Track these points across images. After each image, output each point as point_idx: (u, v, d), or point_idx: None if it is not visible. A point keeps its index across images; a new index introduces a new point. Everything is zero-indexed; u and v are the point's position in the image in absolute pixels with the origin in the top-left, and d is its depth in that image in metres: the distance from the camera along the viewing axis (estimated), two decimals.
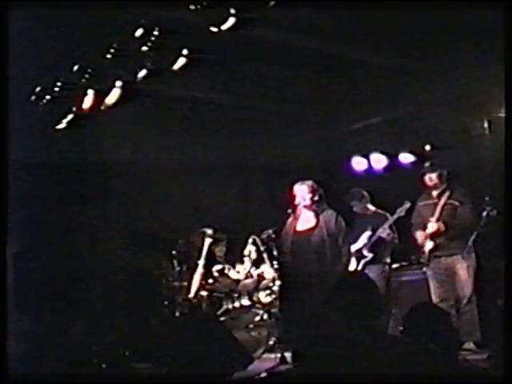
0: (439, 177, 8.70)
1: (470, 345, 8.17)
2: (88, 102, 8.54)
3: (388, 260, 9.36)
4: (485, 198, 8.34)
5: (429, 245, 8.62)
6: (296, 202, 8.42)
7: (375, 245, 9.26)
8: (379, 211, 9.57)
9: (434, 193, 8.76)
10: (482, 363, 7.22)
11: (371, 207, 9.64)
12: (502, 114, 9.10)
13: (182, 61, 7.89)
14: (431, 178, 8.72)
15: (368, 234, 9.31)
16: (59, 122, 9.04)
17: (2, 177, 5.98)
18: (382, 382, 4.00)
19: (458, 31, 7.81)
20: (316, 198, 8.35)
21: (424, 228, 8.69)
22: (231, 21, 7.07)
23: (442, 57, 8.54)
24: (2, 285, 6.07)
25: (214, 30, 7.18)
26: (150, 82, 8.22)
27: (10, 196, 6.14)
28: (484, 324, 8.41)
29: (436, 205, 8.67)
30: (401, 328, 6.37)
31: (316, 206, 8.36)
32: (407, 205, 9.13)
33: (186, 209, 10.76)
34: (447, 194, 8.66)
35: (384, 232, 9.30)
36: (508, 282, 5.87)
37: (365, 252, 9.20)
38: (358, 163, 10.96)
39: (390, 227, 9.32)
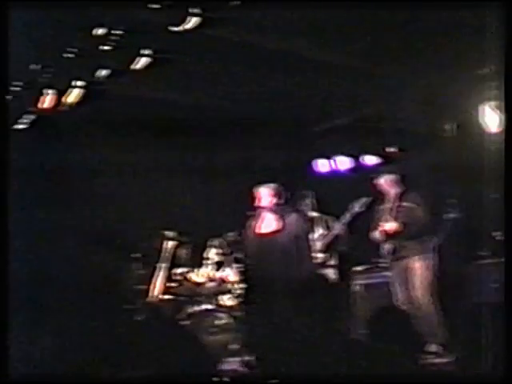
0: (392, 181, 8.77)
1: (434, 347, 8.18)
2: (47, 102, 8.42)
3: (335, 262, 9.39)
4: (448, 200, 8.39)
5: (388, 247, 8.65)
6: (260, 204, 8.38)
7: (327, 246, 9.30)
8: (319, 216, 9.62)
9: (391, 196, 8.82)
10: (448, 366, 7.22)
11: (314, 213, 9.69)
12: (470, 117, 9.18)
13: (143, 61, 7.80)
14: (385, 183, 8.82)
15: (316, 235, 9.34)
16: (17, 123, 8.92)
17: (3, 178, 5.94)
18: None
19: (426, 32, 7.81)
20: (280, 201, 8.31)
21: (382, 230, 8.71)
22: (194, 20, 7.00)
23: (410, 58, 8.54)
24: (2, 285, 6.06)
25: (177, 29, 7.10)
26: (110, 81, 8.12)
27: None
28: (448, 327, 8.42)
29: (392, 207, 8.75)
30: (364, 331, 6.34)
31: (280, 209, 8.31)
32: (363, 200, 9.16)
33: (150, 211, 10.67)
34: (402, 196, 8.73)
35: (339, 231, 9.35)
36: (507, 283, 5.88)
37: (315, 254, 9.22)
38: (323, 165, 10.99)
39: (346, 225, 9.38)
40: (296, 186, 9.71)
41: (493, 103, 8.82)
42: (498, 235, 8.14)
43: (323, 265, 9.30)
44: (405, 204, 8.69)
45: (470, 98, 8.76)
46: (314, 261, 9.17)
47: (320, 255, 9.28)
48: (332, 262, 9.45)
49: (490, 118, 9.10)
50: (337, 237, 9.39)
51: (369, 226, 9.05)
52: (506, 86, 6.01)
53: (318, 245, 9.31)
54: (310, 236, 9.25)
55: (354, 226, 9.40)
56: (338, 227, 9.38)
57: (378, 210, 8.96)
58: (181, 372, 6.17)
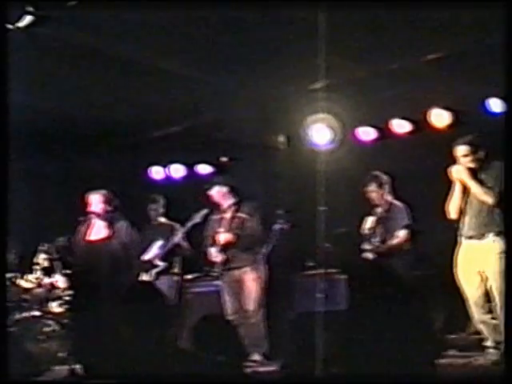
0: (224, 192, 8.82)
1: (257, 356, 8.31)
2: None
3: (178, 270, 9.42)
4: (277, 212, 8.53)
5: (220, 257, 8.71)
6: (91, 210, 8.27)
7: (168, 254, 9.29)
8: (169, 222, 9.62)
9: (224, 207, 8.86)
10: (272, 374, 7.33)
11: (162, 219, 9.67)
12: (301, 130, 9.41)
13: None
14: (217, 194, 8.83)
15: (160, 243, 9.32)
16: None
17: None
18: None
19: (261, 44, 7.91)
20: (109, 208, 8.24)
21: (215, 240, 8.76)
22: (28, 19, 6.84)
23: (245, 69, 8.63)
24: (1, 285, 5.96)
25: (10, 26, 6.91)
26: None
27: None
28: (274, 336, 8.57)
29: (225, 218, 8.81)
30: (192, 340, 6.35)
31: (109, 216, 8.24)
32: (204, 211, 9.16)
33: None
34: (235, 207, 8.79)
35: (179, 238, 9.35)
36: (507, 283, 6.01)
37: (157, 262, 9.21)
38: (157, 172, 10.98)
39: (185, 234, 9.38)
40: (130, 193, 9.65)
41: (323, 117, 9.09)
42: (325, 247, 8.35)
43: (163, 272, 9.29)
44: (239, 215, 8.77)
45: (301, 111, 8.95)
46: (156, 269, 9.18)
47: (161, 263, 9.27)
48: (175, 270, 9.45)
49: (320, 132, 9.38)
50: (177, 245, 9.38)
51: (204, 235, 9.09)
52: (506, 87, 6.19)
53: (159, 252, 9.29)
54: (156, 243, 9.26)
55: (194, 235, 9.40)
56: (178, 236, 9.37)
57: (212, 220, 9.00)
58: (6, 380, 5.98)
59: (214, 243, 8.79)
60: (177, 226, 9.52)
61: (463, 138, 6.90)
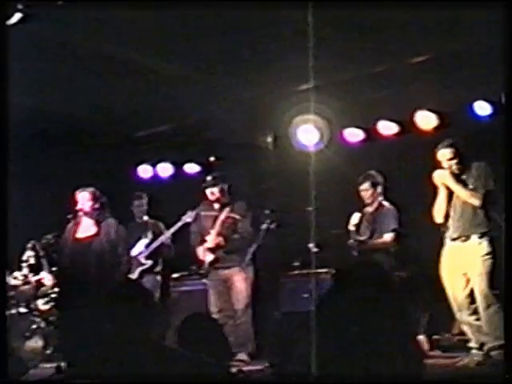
0: (221, 191, 8.79)
1: (243, 356, 8.32)
2: None
3: (160, 269, 9.42)
4: (264, 212, 8.51)
5: (208, 257, 8.70)
6: (78, 208, 8.25)
7: (154, 252, 9.29)
8: (153, 221, 9.60)
9: (216, 205, 8.83)
10: (258, 373, 7.34)
11: (146, 217, 9.66)
12: (289, 130, 9.43)
13: None
14: (213, 192, 8.78)
15: (146, 241, 9.32)
16: None
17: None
18: None
19: (251, 43, 7.93)
20: (97, 206, 8.19)
21: (203, 239, 8.77)
22: (17, 16, 6.83)
23: (234, 68, 8.64)
24: (1, 285, 6.01)
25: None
26: None
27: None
28: (261, 335, 8.59)
29: (217, 217, 8.77)
30: (178, 338, 6.36)
31: (97, 214, 8.18)
32: (194, 211, 9.12)
33: None
34: (228, 208, 8.75)
35: (166, 239, 9.35)
36: (507, 284, 6.03)
37: (142, 260, 9.21)
38: (144, 171, 10.96)
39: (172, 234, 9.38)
40: (117, 191, 9.63)
41: (310, 118, 9.10)
42: (312, 247, 8.37)
43: (148, 270, 9.28)
44: (232, 215, 8.73)
45: (290, 112, 8.96)
46: (141, 267, 9.18)
47: (146, 261, 9.26)
48: (158, 269, 9.44)
49: (308, 132, 9.40)
50: (163, 244, 9.37)
51: (193, 232, 9.08)
52: (507, 87, 6.20)
53: (145, 250, 9.29)
54: (141, 241, 9.25)
55: (181, 233, 9.38)
56: (165, 235, 9.35)
57: (203, 218, 8.97)
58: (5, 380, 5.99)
59: (203, 242, 8.79)
60: (162, 225, 9.52)
61: (445, 142, 6.93)
